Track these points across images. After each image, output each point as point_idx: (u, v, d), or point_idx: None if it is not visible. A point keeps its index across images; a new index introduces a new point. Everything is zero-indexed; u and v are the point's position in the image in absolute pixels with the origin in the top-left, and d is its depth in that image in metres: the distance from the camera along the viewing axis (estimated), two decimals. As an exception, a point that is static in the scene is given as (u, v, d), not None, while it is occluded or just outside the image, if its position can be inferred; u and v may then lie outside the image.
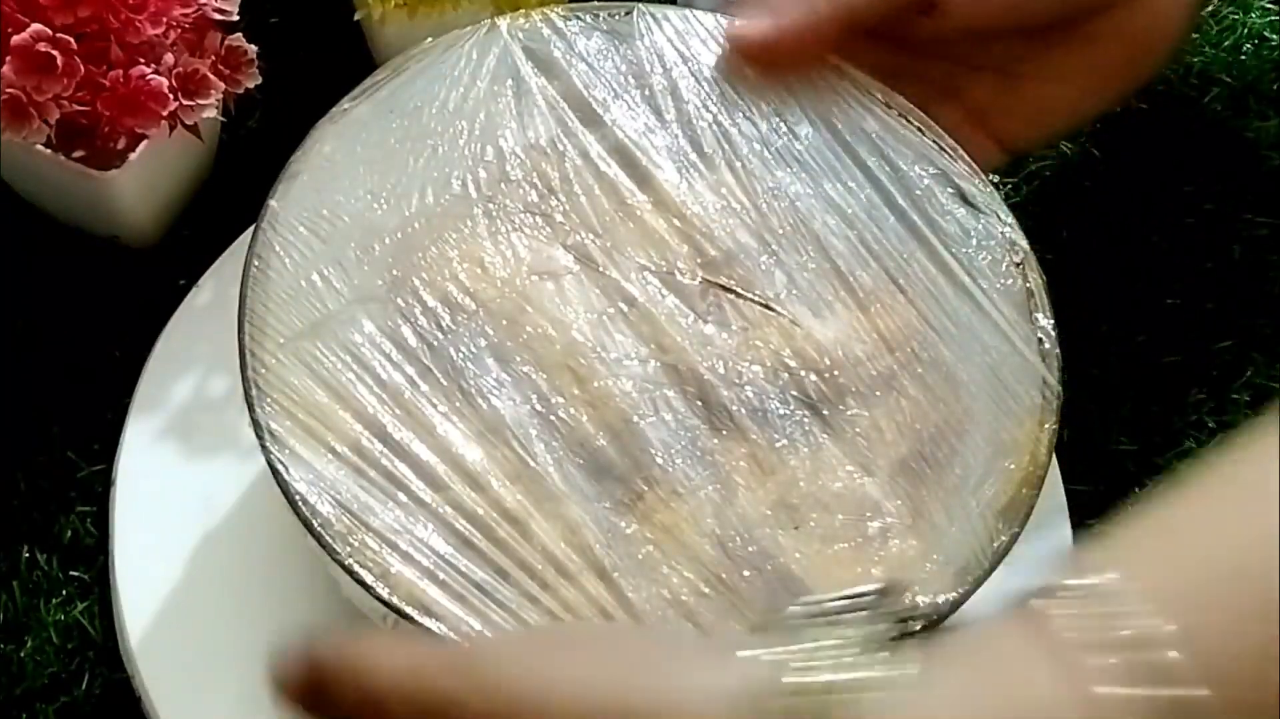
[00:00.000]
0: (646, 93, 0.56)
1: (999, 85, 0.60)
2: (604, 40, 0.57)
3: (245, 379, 0.50)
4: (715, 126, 0.56)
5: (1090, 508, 0.61)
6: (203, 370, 0.61)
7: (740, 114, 0.56)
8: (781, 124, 0.56)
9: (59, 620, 0.59)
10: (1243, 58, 0.72)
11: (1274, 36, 0.73)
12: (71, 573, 0.60)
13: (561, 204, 0.54)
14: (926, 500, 0.50)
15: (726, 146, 0.55)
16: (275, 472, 0.49)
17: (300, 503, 0.48)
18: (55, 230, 0.67)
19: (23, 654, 0.58)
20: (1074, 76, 0.59)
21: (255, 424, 0.49)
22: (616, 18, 0.57)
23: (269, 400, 0.50)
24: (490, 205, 0.54)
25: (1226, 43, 0.73)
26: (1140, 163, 0.70)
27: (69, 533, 0.61)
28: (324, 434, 0.49)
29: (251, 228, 0.62)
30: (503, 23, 0.56)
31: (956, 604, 0.49)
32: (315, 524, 0.48)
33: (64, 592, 0.60)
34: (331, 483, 0.49)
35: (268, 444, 0.49)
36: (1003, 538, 0.50)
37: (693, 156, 0.55)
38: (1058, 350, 0.53)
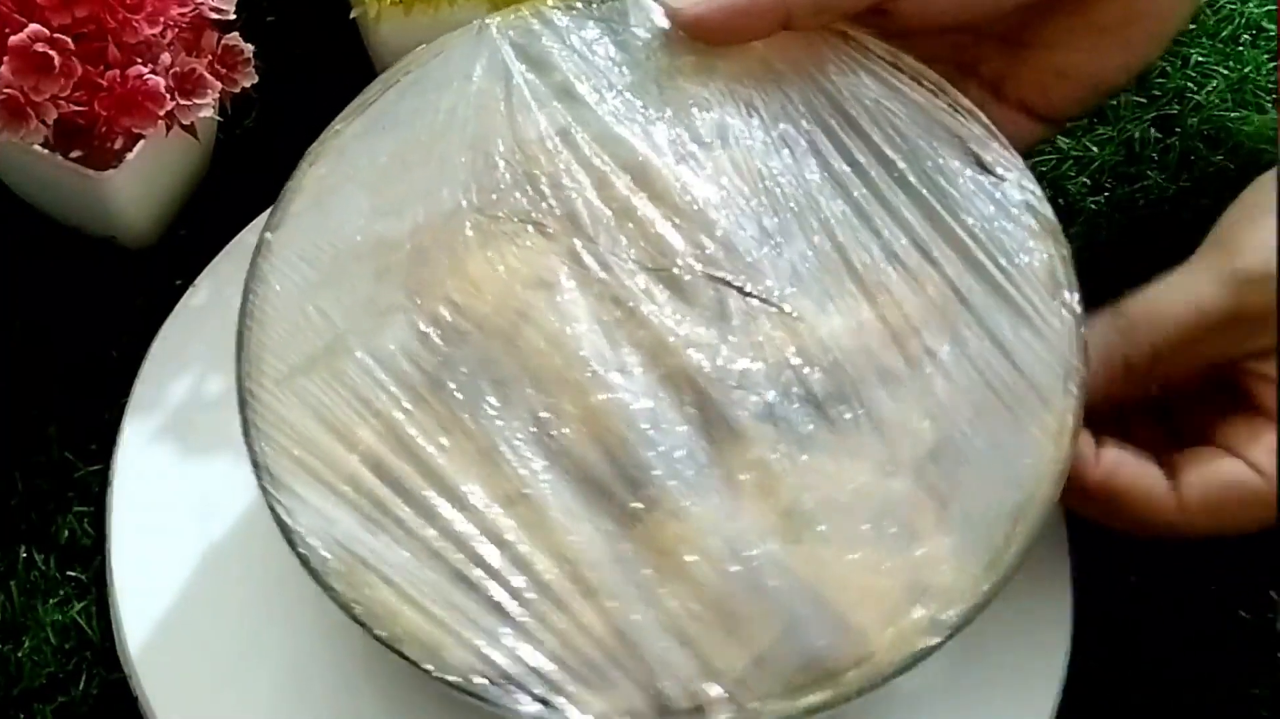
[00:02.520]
0: (642, 82, 0.54)
1: (1009, 55, 0.59)
2: (598, 30, 0.55)
3: (244, 418, 0.50)
4: (714, 112, 0.54)
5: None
6: (199, 370, 0.61)
7: (740, 97, 0.54)
8: (785, 103, 0.54)
9: (56, 620, 0.59)
10: (1240, 49, 0.72)
11: (1272, 27, 0.73)
12: (69, 573, 0.60)
13: (554, 207, 0.52)
14: (944, 499, 0.49)
15: (726, 132, 0.54)
16: (272, 510, 0.49)
17: (298, 542, 0.48)
18: (53, 230, 0.67)
19: (20, 654, 0.58)
20: (1080, 40, 0.58)
21: (254, 463, 0.49)
22: (610, 5, 0.56)
23: (267, 438, 0.50)
24: (481, 217, 0.52)
25: (1224, 33, 0.73)
26: (1136, 157, 0.69)
27: (66, 533, 0.61)
28: (322, 471, 0.49)
29: (247, 227, 0.63)
30: (493, 22, 0.55)
31: (981, 606, 0.48)
32: (312, 563, 0.48)
33: (61, 592, 0.60)
34: (330, 520, 0.48)
35: (265, 483, 0.49)
36: (1023, 535, 0.48)
37: (690, 145, 0.53)
38: (1083, 329, 0.51)
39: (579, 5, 0.56)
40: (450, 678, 0.47)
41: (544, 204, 0.53)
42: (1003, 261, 0.52)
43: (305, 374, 0.50)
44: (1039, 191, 0.53)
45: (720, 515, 0.48)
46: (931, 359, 0.50)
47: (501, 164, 0.53)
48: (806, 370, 0.50)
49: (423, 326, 0.51)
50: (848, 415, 0.50)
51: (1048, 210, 0.53)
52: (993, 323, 0.51)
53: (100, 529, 0.60)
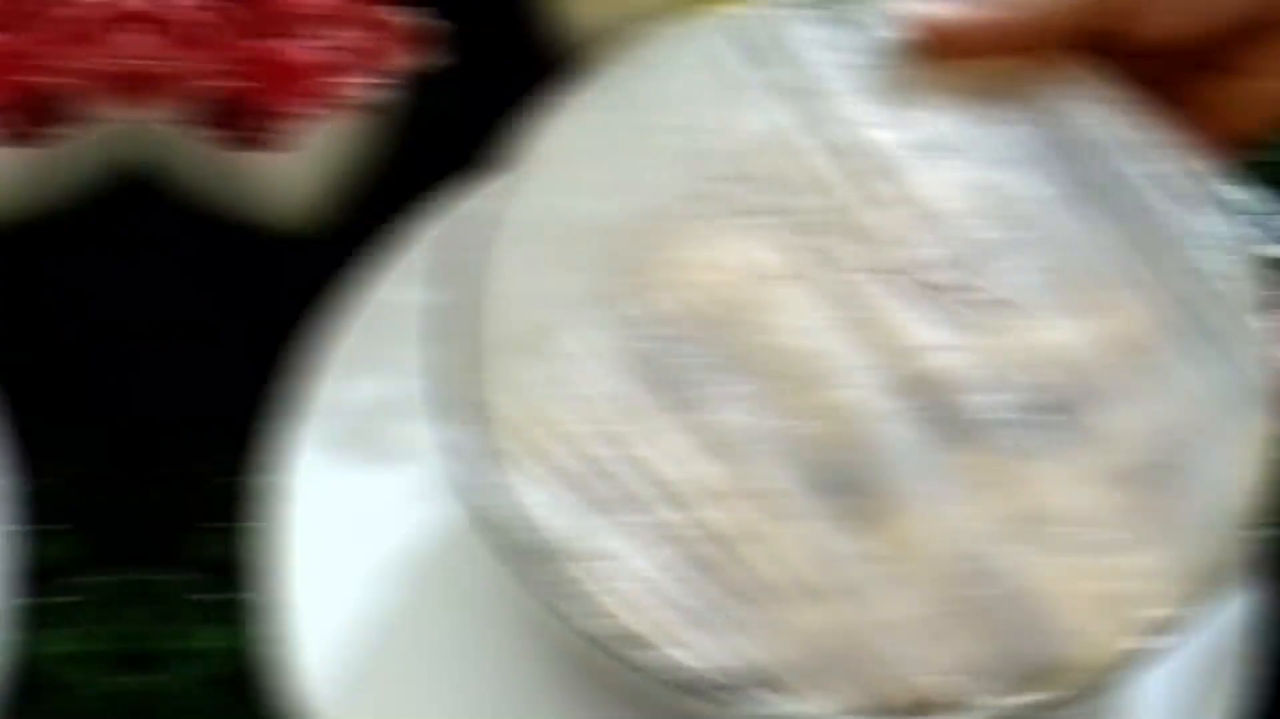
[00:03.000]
0: (870, 86, 0.52)
1: (1208, 82, 0.55)
2: (836, 31, 0.53)
3: (459, 399, 0.48)
4: (944, 123, 0.52)
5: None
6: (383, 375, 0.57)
7: (970, 110, 0.53)
8: (1011, 123, 0.53)
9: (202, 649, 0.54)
10: None
11: None
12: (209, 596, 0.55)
13: (796, 203, 0.51)
14: (1162, 508, 0.49)
15: (957, 143, 0.52)
16: (484, 496, 0.46)
17: (516, 526, 0.46)
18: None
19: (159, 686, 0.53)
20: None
21: (464, 448, 0.47)
22: (841, 7, 0.53)
23: (483, 420, 0.48)
24: (720, 205, 0.51)
25: None
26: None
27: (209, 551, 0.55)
28: (541, 454, 0.47)
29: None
30: (730, 11, 0.53)
31: (1198, 614, 0.48)
32: (530, 546, 0.46)
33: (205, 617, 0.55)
34: (548, 507, 0.47)
35: (480, 465, 0.47)
36: (1241, 545, 0.49)
37: (920, 153, 0.52)
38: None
39: (809, 5, 0.54)
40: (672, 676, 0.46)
41: (789, 199, 0.51)
42: (1208, 287, 0.52)
43: (521, 356, 0.49)
44: (1245, 227, 0.53)
45: (952, 517, 0.48)
46: (1150, 372, 0.50)
47: (744, 154, 0.51)
48: (1039, 381, 0.50)
49: (654, 309, 0.49)
50: (1076, 426, 0.50)
51: (1261, 245, 0.52)
52: (1201, 341, 0.51)
53: (250, 547, 0.54)
